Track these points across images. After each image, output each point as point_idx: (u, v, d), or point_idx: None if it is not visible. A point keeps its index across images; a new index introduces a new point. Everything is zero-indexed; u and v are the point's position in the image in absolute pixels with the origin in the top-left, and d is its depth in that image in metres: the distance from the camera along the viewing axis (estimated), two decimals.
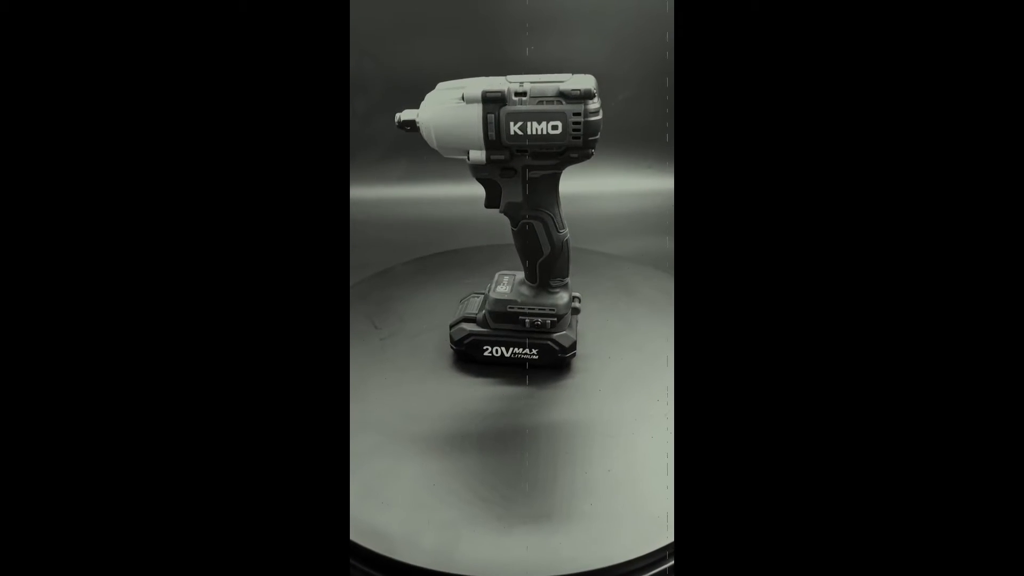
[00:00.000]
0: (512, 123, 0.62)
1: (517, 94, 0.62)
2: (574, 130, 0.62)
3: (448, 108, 0.64)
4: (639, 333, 0.80)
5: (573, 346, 0.73)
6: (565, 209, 0.70)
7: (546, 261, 0.71)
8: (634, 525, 0.56)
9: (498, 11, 1.39)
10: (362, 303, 0.87)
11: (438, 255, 1.03)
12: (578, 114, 0.62)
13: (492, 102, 0.62)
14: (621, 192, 1.47)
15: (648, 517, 0.56)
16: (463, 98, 0.63)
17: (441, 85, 0.66)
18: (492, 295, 0.74)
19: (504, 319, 0.73)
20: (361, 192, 1.40)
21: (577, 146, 0.63)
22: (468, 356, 0.75)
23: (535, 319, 0.72)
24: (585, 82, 0.62)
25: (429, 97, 0.65)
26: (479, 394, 0.71)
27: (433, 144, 0.66)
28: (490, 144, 0.64)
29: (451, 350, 0.76)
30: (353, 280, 0.91)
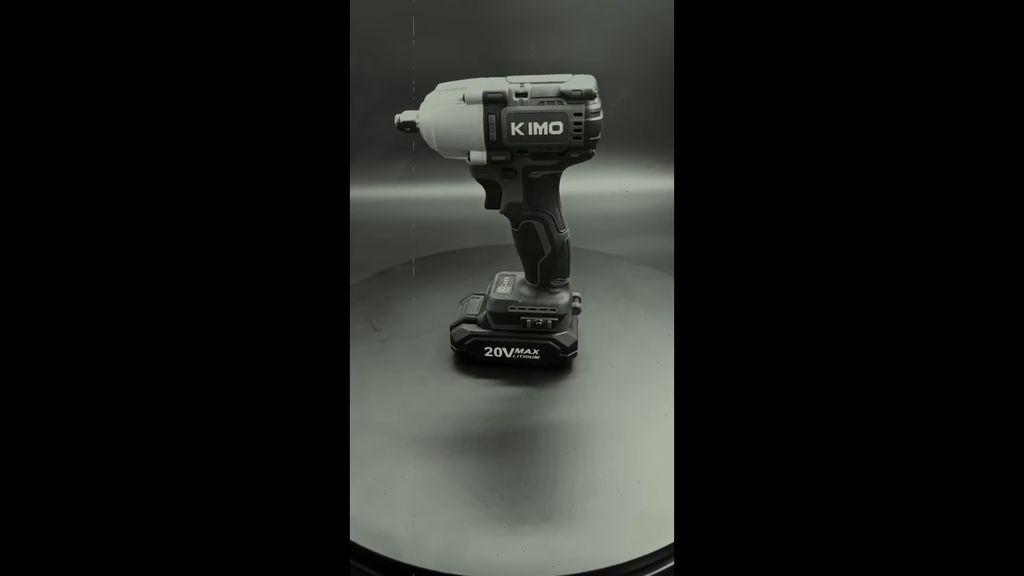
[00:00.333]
0: (513, 124, 0.62)
1: (518, 95, 0.62)
2: (575, 130, 0.62)
3: (449, 109, 0.64)
4: (639, 333, 0.80)
5: (574, 346, 0.73)
6: (565, 209, 0.70)
7: (547, 261, 0.71)
8: (635, 526, 0.56)
9: (498, 11, 1.39)
10: (362, 304, 0.87)
11: (438, 256, 1.03)
12: (579, 114, 0.62)
13: (493, 103, 0.62)
14: (621, 192, 1.47)
15: (649, 518, 0.56)
16: (464, 99, 0.63)
17: (441, 86, 0.65)
18: (493, 296, 0.74)
19: (505, 320, 0.73)
20: (361, 192, 1.40)
21: (578, 146, 0.63)
22: (469, 357, 0.75)
23: (536, 319, 0.72)
24: (586, 82, 0.62)
25: (429, 98, 0.65)
26: (480, 395, 0.71)
27: (433, 145, 0.66)
28: (491, 145, 0.64)
29: (451, 351, 0.76)
30: (353, 281, 0.91)
